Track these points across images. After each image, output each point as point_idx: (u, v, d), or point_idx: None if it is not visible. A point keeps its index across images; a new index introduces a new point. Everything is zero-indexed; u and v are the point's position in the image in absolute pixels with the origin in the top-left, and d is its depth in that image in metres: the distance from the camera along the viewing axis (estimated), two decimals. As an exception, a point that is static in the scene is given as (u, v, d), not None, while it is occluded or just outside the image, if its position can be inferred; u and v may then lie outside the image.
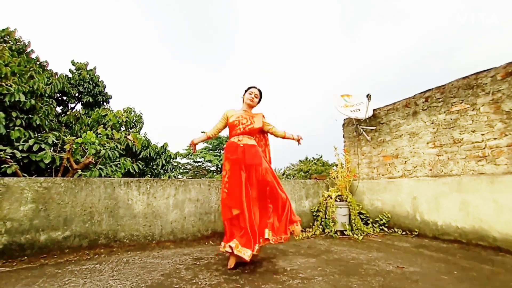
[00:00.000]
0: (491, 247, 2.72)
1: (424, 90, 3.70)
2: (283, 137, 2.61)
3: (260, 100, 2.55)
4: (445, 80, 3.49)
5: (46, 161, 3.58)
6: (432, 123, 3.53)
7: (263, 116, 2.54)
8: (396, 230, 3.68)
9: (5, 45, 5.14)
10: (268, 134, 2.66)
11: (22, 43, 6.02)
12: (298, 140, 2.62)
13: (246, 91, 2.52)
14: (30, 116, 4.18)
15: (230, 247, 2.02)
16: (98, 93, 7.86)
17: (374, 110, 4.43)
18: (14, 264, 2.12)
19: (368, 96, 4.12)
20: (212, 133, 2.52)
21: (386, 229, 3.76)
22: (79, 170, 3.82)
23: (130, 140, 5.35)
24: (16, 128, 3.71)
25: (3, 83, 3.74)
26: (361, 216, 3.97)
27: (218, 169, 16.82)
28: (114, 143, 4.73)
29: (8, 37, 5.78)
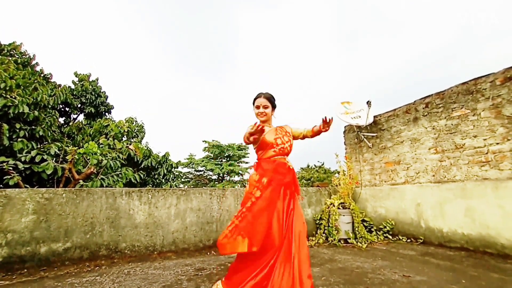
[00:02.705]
0: (499, 254, 2.66)
1: (424, 96, 3.72)
2: (314, 133, 1.98)
3: (273, 105, 2.02)
4: (444, 87, 3.51)
5: (48, 172, 3.59)
6: (433, 128, 3.52)
7: (289, 127, 2.07)
8: (400, 237, 3.62)
9: (10, 58, 5.25)
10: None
11: (27, 56, 6.16)
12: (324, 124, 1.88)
13: (253, 104, 2.01)
14: (33, 127, 4.22)
15: None
16: (100, 103, 7.95)
17: (374, 116, 4.44)
18: (14, 277, 2.09)
19: (368, 103, 4.14)
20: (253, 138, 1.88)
21: (390, 237, 3.70)
22: (81, 181, 3.82)
23: (131, 150, 5.37)
24: (19, 139, 3.75)
25: (8, 95, 3.80)
26: (365, 223, 3.91)
27: (220, 177, 16.76)
28: (116, 153, 4.74)
29: (14, 50, 5.92)
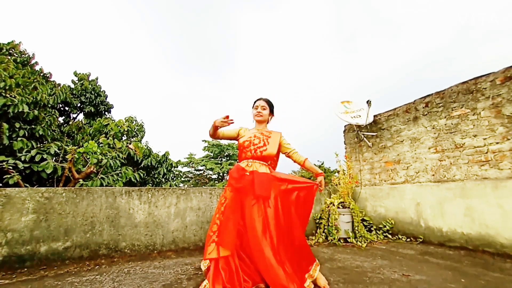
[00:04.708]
0: (498, 253, 2.67)
1: (424, 96, 3.71)
2: (302, 165, 2.12)
3: (271, 110, 2.13)
4: (444, 86, 3.51)
5: (48, 171, 3.59)
6: (433, 128, 3.52)
7: (281, 136, 2.09)
8: (400, 236, 3.62)
9: (10, 57, 5.24)
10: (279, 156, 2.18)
11: (26, 55, 6.15)
12: (318, 184, 2.02)
13: (252, 107, 2.12)
14: (33, 126, 4.22)
15: None
16: (100, 103, 7.95)
17: (374, 116, 4.44)
18: (14, 276, 2.09)
19: (368, 102, 4.13)
20: (220, 133, 2.01)
21: (390, 236, 3.71)
22: (81, 180, 3.81)
23: (131, 149, 5.36)
24: (19, 138, 3.74)
25: (7, 95, 3.79)
26: (364, 223, 3.92)
27: (220, 177, 16.77)
28: (116, 152, 4.74)
29: (13, 49, 5.90)
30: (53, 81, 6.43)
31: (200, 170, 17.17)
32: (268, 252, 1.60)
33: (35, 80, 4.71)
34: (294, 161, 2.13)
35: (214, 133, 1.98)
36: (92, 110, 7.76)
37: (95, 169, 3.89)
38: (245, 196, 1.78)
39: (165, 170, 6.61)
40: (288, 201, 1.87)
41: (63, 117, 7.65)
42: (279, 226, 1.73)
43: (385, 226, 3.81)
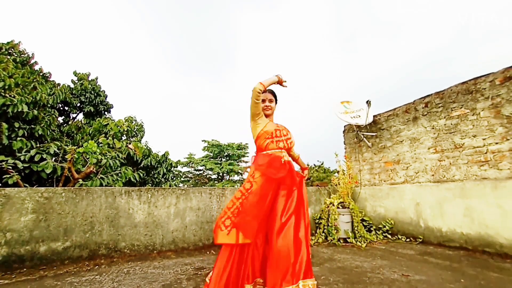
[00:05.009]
0: (498, 254, 2.67)
1: (424, 96, 3.72)
2: (296, 160, 2.23)
3: (276, 101, 2.10)
4: (444, 86, 3.51)
5: (48, 171, 3.58)
6: (433, 128, 3.53)
7: None
8: (399, 237, 3.62)
9: (9, 57, 5.23)
10: None
11: (26, 55, 6.14)
12: (303, 171, 2.23)
13: None
14: (32, 126, 4.22)
15: None
16: (99, 102, 7.93)
17: (374, 116, 4.44)
18: (13, 276, 2.09)
19: (368, 103, 4.14)
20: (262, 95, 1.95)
21: (389, 236, 3.71)
22: (80, 180, 3.81)
23: (131, 149, 5.36)
24: (19, 138, 3.74)
25: (6, 94, 3.79)
26: (364, 223, 3.92)
27: (219, 177, 16.76)
28: (115, 152, 4.73)
29: (12, 49, 5.89)
30: (53, 80, 6.43)
31: (200, 170, 17.15)
32: (290, 238, 1.60)
33: (34, 80, 4.70)
34: (290, 155, 2.19)
35: (265, 89, 1.90)
36: (92, 110, 7.74)
37: (94, 169, 3.89)
38: (278, 185, 1.77)
39: (164, 170, 6.61)
40: (299, 193, 1.92)
41: (63, 117, 7.64)
42: (304, 216, 1.77)
43: (384, 226, 3.81)
